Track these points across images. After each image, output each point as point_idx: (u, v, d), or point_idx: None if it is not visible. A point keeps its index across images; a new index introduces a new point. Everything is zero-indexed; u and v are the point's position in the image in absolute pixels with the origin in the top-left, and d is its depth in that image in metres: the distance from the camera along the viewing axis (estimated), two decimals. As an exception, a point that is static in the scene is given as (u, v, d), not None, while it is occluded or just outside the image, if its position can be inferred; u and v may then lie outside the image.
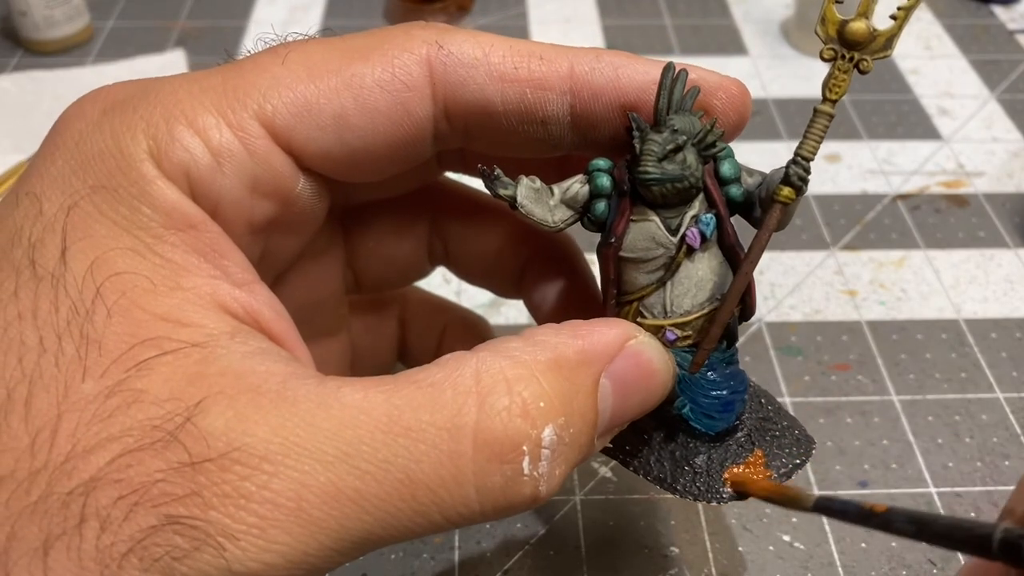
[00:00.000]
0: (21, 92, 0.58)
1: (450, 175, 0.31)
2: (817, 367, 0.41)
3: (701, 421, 0.25)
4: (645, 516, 0.35)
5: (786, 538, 0.35)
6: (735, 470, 0.25)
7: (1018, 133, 0.56)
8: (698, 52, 0.63)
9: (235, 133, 0.22)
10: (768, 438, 0.26)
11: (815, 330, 0.43)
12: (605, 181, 0.24)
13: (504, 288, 0.32)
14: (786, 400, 0.40)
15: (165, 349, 0.19)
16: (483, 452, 0.19)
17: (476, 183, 0.31)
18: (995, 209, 0.51)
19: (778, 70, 0.62)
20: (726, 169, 0.24)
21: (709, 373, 0.25)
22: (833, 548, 0.34)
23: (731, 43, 0.64)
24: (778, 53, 0.64)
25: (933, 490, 0.37)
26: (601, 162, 0.24)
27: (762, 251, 0.23)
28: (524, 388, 0.20)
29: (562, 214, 0.24)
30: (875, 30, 0.23)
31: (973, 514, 0.36)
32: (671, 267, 0.24)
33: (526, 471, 0.20)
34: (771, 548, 0.34)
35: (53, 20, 0.60)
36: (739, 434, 0.26)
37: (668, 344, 0.24)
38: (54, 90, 0.58)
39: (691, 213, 0.23)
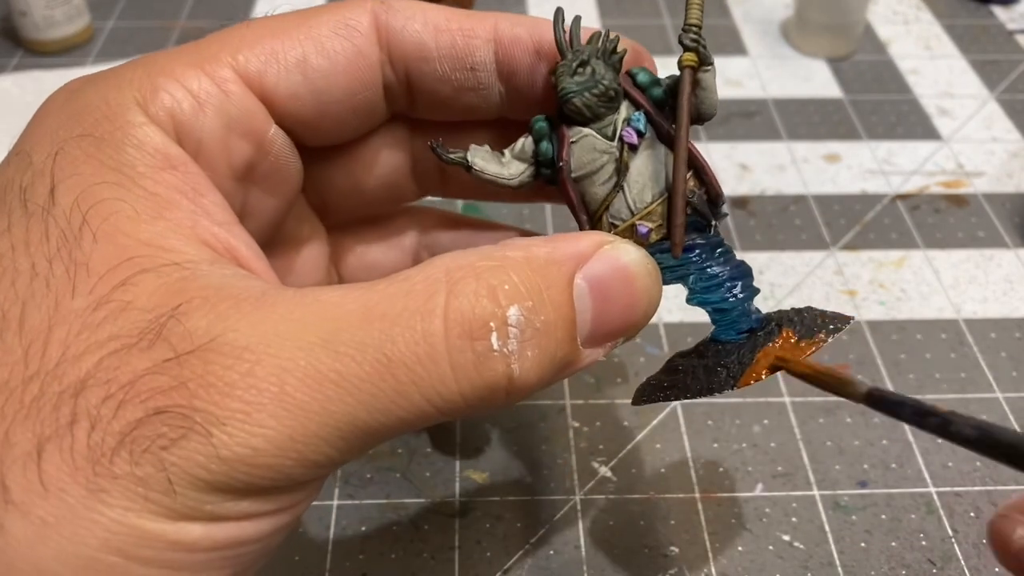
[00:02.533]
0: (21, 92, 0.58)
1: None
2: (817, 367, 0.41)
3: (722, 318, 0.26)
4: (645, 516, 0.35)
5: (786, 538, 0.35)
6: (765, 351, 0.25)
7: (1018, 133, 0.57)
8: (698, 52, 0.63)
9: (212, 79, 0.24)
10: (796, 319, 0.26)
11: (815, 330, 0.43)
12: (543, 124, 0.26)
13: None
14: (786, 400, 0.40)
15: (146, 267, 0.20)
16: (454, 330, 0.20)
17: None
18: (995, 209, 0.51)
19: (778, 70, 0.62)
20: (642, 77, 0.26)
21: (706, 260, 0.25)
22: (833, 548, 0.35)
23: (731, 43, 0.65)
24: (778, 53, 0.64)
25: (933, 490, 0.37)
26: (538, 116, 0.26)
27: (688, 116, 0.25)
28: (492, 276, 0.21)
29: (516, 168, 0.26)
30: None
31: (972, 514, 0.36)
32: (621, 170, 0.25)
33: (495, 347, 0.20)
34: (771, 548, 0.35)
35: (53, 20, 0.60)
36: (769, 327, 0.26)
37: (644, 239, 0.25)
38: (54, 90, 0.58)
39: (621, 118, 0.25)
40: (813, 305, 0.27)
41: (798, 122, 0.57)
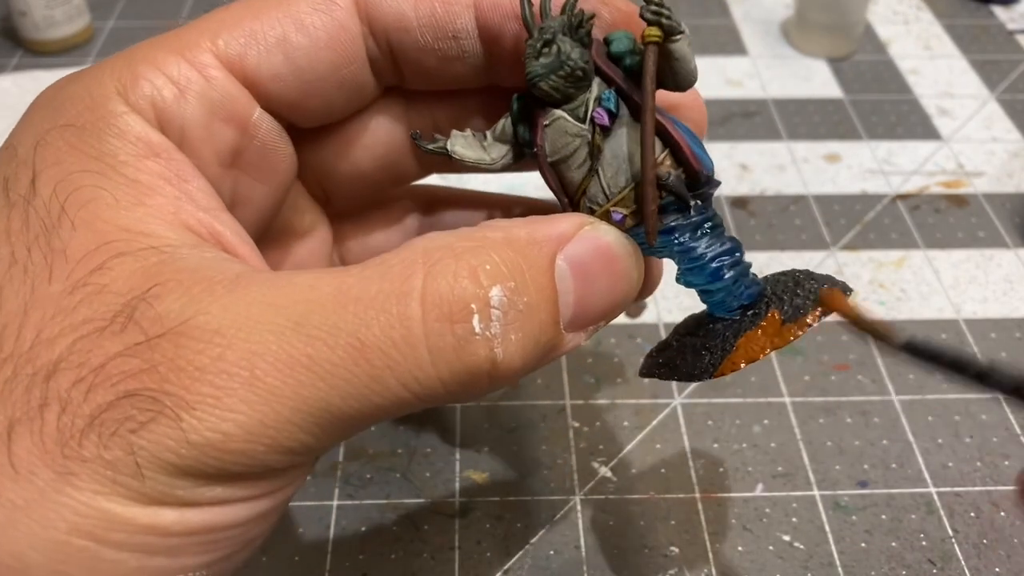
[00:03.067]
0: (21, 92, 0.58)
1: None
2: (817, 367, 0.41)
3: (711, 299, 0.25)
4: (645, 516, 0.35)
5: (786, 538, 0.35)
6: (746, 336, 0.25)
7: (1018, 133, 0.56)
8: (698, 52, 0.63)
9: (193, 66, 0.23)
10: (787, 296, 0.25)
11: (815, 330, 0.43)
12: (515, 105, 0.25)
13: None
14: (786, 400, 0.40)
15: (124, 251, 0.20)
16: (432, 313, 0.19)
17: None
18: (995, 209, 0.51)
19: (778, 70, 0.62)
20: (615, 47, 0.24)
21: (688, 241, 0.24)
22: (833, 548, 0.34)
23: (731, 43, 0.64)
24: (778, 53, 0.64)
25: (933, 490, 0.37)
26: (519, 94, 0.25)
27: (651, 96, 0.23)
28: (472, 256, 0.20)
29: (498, 151, 0.26)
30: None
31: (973, 514, 0.36)
32: (594, 153, 0.24)
33: (477, 330, 0.20)
34: (771, 548, 0.34)
35: (53, 20, 0.60)
36: (759, 305, 0.25)
37: (619, 226, 0.24)
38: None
39: (592, 97, 0.24)
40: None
41: (798, 122, 0.57)
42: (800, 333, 0.24)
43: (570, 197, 0.25)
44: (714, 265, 0.24)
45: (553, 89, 0.23)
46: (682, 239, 0.24)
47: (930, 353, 0.20)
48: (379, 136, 0.29)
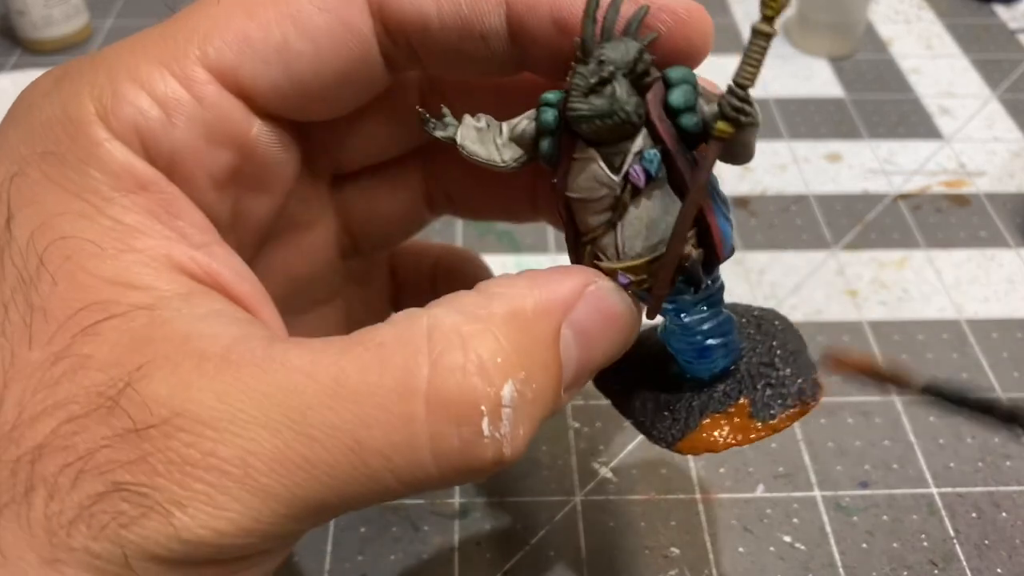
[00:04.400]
0: (19, 91, 0.58)
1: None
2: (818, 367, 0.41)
3: (688, 366, 0.24)
4: (645, 517, 0.35)
5: (787, 539, 0.35)
6: (713, 418, 0.23)
7: (1019, 133, 0.56)
8: (698, 51, 0.63)
9: (181, 82, 0.21)
10: (761, 385, 0.24)
11: (816, 330, 0.43)
12: (549, 117, 0.22)
13: (520, 212, 0.30)
14: (787, 400, 0.40)
15: (112, 312, 0.19)
16: (437, 414, 0.18)
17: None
18: (996, 209, 0.51)
19: (778, 70, 0.62)
20: (675, 98, 0.21)
21: (683, 316, 0.23)
22: (834, 549, 0.34)
23: (731, 43, 0.64)
24: (779, 53, 0.63)
25: (934, 490, 0.36)
26: (551, 95, 0.22)
27: (703, 190, 0.21)
28: (480, 344, 0.19)
29: (512, 152, 0.23)
30: None
31: (974, 515, 0.35)
32: (618, 208, 0.22)
33: (486, 432, 0.18)
34: (772, 549, 0.34)
35: (51, 19, 0.60)
36: (731, 381, 0.24)
37: (623, 288, 0.22)
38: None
39: (634, 149, 0.21)
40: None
41: (799, 121, 0.57)
42: (766, 435, 0.23)
43: (577, 236, 0.23)
44: (706, 343, 0.23)
45: (594, 133, 0.21)
46: (681, 313, 0.23)
47: (952, 396, 0.19)
48: (394, 105, 0.27)
